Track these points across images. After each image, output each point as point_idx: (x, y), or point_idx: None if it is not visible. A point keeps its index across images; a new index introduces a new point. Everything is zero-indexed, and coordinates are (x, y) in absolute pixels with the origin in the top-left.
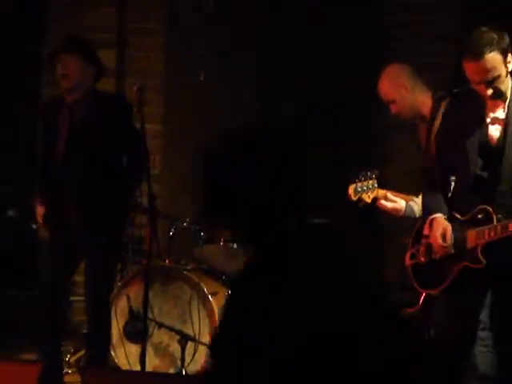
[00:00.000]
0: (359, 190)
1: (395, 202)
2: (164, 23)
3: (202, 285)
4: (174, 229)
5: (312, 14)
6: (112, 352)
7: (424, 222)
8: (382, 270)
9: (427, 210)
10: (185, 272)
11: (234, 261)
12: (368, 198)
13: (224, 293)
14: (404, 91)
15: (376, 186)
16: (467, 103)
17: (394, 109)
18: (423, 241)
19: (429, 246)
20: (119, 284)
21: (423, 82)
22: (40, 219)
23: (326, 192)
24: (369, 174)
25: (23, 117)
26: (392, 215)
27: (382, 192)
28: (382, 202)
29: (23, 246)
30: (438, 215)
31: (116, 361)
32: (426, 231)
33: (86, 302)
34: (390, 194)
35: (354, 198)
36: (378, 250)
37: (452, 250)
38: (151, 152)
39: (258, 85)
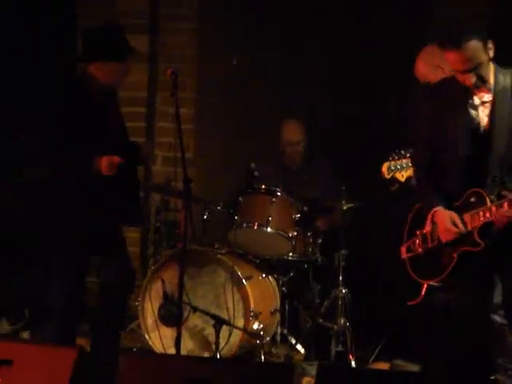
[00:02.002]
0: (393, 168)
1: None
2: (196, 8)
3: (237, 268)
4: (208, 213)
5: None
6: (146, 335)
7: (415, 215)
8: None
9: (427, 203)
10: (219, 256)
11: (268, 244)
12: (401, 176)
13: (258, 276)
14: (441, 72)
15: (410, 164)
16: (452, 90)
17: None
18: (418, 232)
19: (424, 237)
20: (153, 268)
21: None
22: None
23: (362, 176)
24: (402, 152)
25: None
26: None
27: None
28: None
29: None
30: (438, 208)
31: (150, 344)
32: (427, 228)
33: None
34: None
35: (388, 177)
36: None
37: (465, 231)
38: (185, 136)
39: (287, 70)
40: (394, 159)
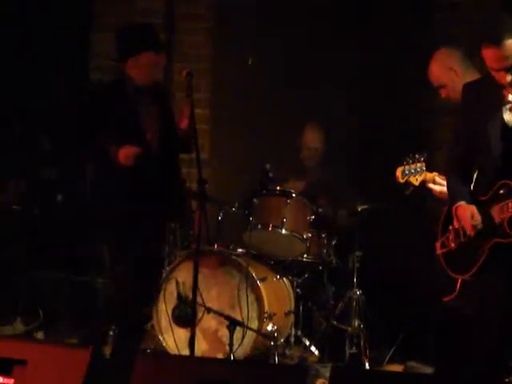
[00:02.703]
0: (407, 172)
1: (443, 185)
2: (213, 8)
3: (251, 270)
4: (223, 214)
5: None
6: (160, 336)
7: (450, 210)
8: (433, 256)
9: (452, 198)
10: (233, 257)
11: (283, 246)
12: (416, 180)
13: (272, 278)
14: (454, 75)
15: (424, 169)
16: (486, 89)
17: (443, 93)
18: (450, 227)
19: (456, 232)
20: (168, 269)
21: (475, 67)
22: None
23: (377, 178)
24: (417, 156)
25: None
26: (440, 199)
27: (430, 175)
28: (431, 185)
29: (71, 230)
30: (462, 203)
31: (164, 345)
32: (456, 222)
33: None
34: (438, 178)
35: (402, 181)
36: (426, 234)
37: (481, 226)
38: (200, 136)
39: (304, 70)
40: (408, 163)
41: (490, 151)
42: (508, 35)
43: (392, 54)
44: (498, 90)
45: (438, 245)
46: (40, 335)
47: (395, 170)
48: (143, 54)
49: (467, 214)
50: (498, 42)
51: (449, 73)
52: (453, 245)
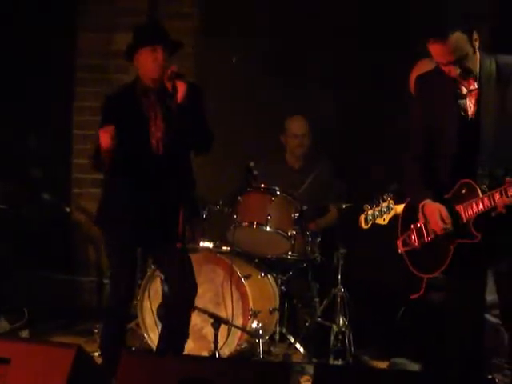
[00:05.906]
0: (370, 218)
1: None
2: (197, 7)
3: (235, 267)
4: (207, 212)
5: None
6: (145, 335)
7: (409, 208)
8: None
9: (415, 195)
10: (218, 255)
11: (267, 243)
12: (383, 220)
13: (257, 275)
14: None
15: (392, 206)
16: (440, 81)
17: None
18: (412, 226)
19: (419, 231)
20: (153, 267)
21: None
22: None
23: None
24: (384, 197)
25: (55, 98)
26: None
27: (400, 208)
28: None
29: (56, 229)
30: (428, 200)
31: (150, 343)
32: (421, 221)
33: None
34: None
35: (366, 227)
36: None
37: (451, 228)
38: None
39: (290, 69)
40: (371, 208)
41: (446, 142)
42: (452, 29)
43: (381, 51)
44: (451, 82)
45: (399, 243)
46: (25, 334)
47: (381, 169)
48: (140, 52)
49: (436, 214)
50: (443, 37)
51: None
52: (416, 244)
